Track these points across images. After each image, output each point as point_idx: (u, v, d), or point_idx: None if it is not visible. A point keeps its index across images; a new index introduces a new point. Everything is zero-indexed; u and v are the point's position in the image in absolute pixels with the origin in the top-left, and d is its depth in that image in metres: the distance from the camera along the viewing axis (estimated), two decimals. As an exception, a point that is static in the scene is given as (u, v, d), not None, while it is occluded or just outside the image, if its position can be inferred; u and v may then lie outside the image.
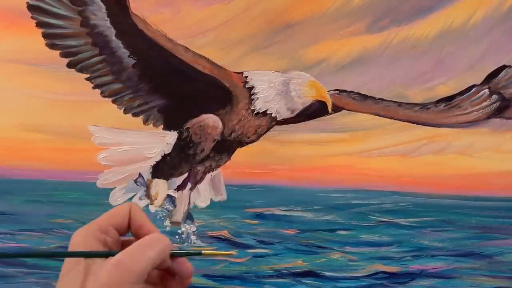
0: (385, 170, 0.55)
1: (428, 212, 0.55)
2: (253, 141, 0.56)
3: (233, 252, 0.51)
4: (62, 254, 0.34)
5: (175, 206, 0.59)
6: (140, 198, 0.59)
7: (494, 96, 0.54)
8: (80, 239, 0.35)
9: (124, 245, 0.36)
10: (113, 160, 0.59)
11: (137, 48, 0.57)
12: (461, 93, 0.54)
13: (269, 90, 0.56)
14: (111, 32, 0.57)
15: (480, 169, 0.54)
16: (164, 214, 0.58)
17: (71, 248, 0.35)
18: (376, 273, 0.56)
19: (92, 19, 0.57)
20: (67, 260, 0.35)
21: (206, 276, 0.55)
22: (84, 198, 0.58)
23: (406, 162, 0.55)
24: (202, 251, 0.36)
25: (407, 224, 0.55)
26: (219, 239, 0.56)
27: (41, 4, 0.57)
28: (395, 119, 0.55)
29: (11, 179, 0.60)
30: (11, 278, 0.57)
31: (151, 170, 0.59)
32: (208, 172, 0.59)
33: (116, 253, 0.34)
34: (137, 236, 0.37)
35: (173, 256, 0.35)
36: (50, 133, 0.60)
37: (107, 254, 0.34)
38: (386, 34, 0.55)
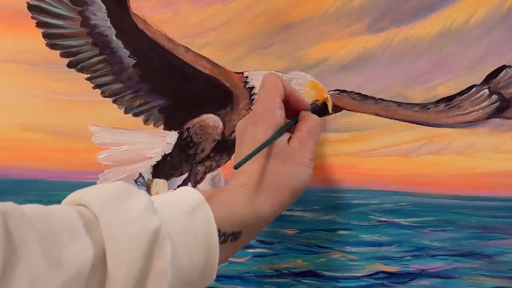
0: (385, 170, 0.55)
1: (428, 212, 0.55)
2: (253, 141, 0.56)
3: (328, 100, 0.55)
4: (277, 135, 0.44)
5: None
6: (140, 198, 0.59)
7: (494, 96, 0.54)
8: (272, 120, 0.44)
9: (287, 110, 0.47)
10: (114, 160, 0.59)
11: (137, 48, 0.57)
12: (461, 93, 0.54)
13: (270, 90, 0.56)
14: (111, 32, 0.57)
15: (480, 169, 0.54)
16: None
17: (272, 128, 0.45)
18: (376, 273, 0.56)
19: (92, 19, 0.57)
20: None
21: (206, 276, 0.55)
22: (84, 198, 0.58)
23: (406, 162, 0.55)
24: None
25: (407, 224, 0.55)
26: (219, 239, 0.56)
27: (41, 4, 0.58)
28: (395, 119, 0.55)
29: (11, 179, 0.60)
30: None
31: (151, 170, 0.59)
32: (209, 172, 0.59)
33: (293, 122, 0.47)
34: (288, 101, 0.47)
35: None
36: (50, 133, 0.59)
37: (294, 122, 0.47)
38: (386, 34, 0.55)
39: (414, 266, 0.55)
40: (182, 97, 0.58)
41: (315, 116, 0.48)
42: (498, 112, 0.54)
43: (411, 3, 0.54)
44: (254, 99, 0.56)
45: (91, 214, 0.32)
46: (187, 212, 0.35)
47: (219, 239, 0.36)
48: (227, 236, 0.37)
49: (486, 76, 0.53)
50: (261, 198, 0.41)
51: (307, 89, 0.55)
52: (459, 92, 0.54)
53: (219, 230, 0.36)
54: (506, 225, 0.54)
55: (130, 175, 0.59)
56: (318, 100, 0.54)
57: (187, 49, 0.57)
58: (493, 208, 0.54)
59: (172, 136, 0.58)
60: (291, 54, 0.56)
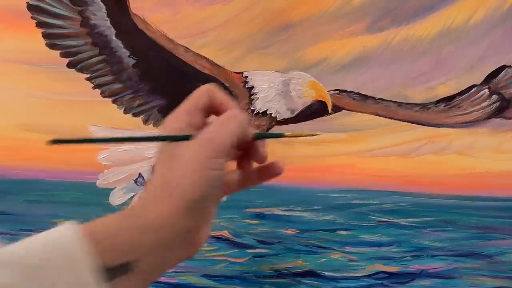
0: (385, 170, 0.55)
1: (428, 212, 0.55)
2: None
3: (317, 133, 0.44)
4: (145, 138, 0.38)
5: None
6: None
7: (494, 96, 0.54)
8: (168, 124, 0.36)
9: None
10: (113, 160, 0.59)
11: (137, 48, 0.57)
12: (461, 93, 0.54)
13: (269, 90, 0.56)
14: (111, 32, 0.57)
15: (480, 169, 0.54)
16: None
17: (162, 133, 0.36)
18: (376, 273, 0.56)
19: (92, 19, 0.57)
20: (161, 145, 0.36)
21: (206, 276, 0.55)
22: (84, 198, 0.58)
23: (406, 162, 0.55)
24: (285, 133, 0.38)
25: (407, 224, 0.55)
26: (218, 239, 0.56)
27: (41, 4, 0.58)
28: (395, 119, 0.55)
29: (11, 179, 0.60)
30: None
31: (151, 170, 0.59)
32: (208, 172, 0.58)
33: (192, 136, 0.35)
34: (219, 115, 0.37)
35: (255, 139, 0.37)
36: (50, 133, 0.59)
37: (184, 137, 0.35)
38: (386, 34, 0.55)
39: (414, 266, 0.55)
40: (182, 97, 0.58)
41: (232, 110, 0.37)
42: (498, 112, 0.54)
43: (411, 3, 0.54)
44: (253, 98, 0.56)
45: None
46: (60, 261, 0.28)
47: (107, 277, 0.29)
48: (114, 271, 0.30)
49: (486, 76, 0.53)
50: (150, 214, 0.33)
51: (307, 89, 0.55)
52: (459, 92, 0.54)
53: (103, 267, 0.29)
54: (506, 225, 0.54)
55: (130, 175, 0.59)
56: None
57: (186, 49, 0.57)
58: (493, 208, 0.54)
59: (172, 136, 0.58)
60: (290, 54, 0.56)
